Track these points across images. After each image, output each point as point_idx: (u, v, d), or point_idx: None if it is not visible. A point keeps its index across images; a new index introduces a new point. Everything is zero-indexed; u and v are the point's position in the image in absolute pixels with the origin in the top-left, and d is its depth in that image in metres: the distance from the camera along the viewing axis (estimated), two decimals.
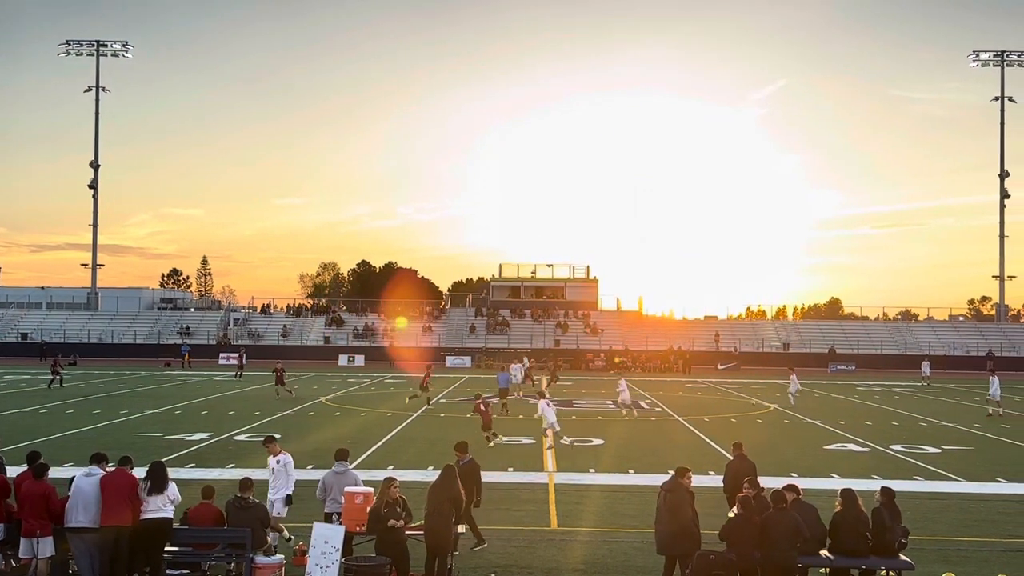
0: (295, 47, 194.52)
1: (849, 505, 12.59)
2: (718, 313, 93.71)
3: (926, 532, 15.95)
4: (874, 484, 20.23)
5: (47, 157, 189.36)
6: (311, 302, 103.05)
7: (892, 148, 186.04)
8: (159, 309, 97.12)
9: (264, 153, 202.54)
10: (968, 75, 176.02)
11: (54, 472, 13.74)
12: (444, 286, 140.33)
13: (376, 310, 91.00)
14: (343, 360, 75.54)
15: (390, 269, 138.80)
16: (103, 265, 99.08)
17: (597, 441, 28.10)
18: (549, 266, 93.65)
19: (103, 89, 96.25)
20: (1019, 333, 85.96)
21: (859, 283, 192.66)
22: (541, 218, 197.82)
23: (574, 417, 35.20)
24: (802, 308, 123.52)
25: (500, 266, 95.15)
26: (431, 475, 14.39)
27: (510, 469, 22.74)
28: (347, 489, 13.40)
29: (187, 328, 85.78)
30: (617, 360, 73.90)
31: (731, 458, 16.16)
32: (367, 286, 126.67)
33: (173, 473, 13.31)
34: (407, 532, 12.76)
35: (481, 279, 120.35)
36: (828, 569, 12.76)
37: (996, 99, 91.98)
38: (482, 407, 27.73)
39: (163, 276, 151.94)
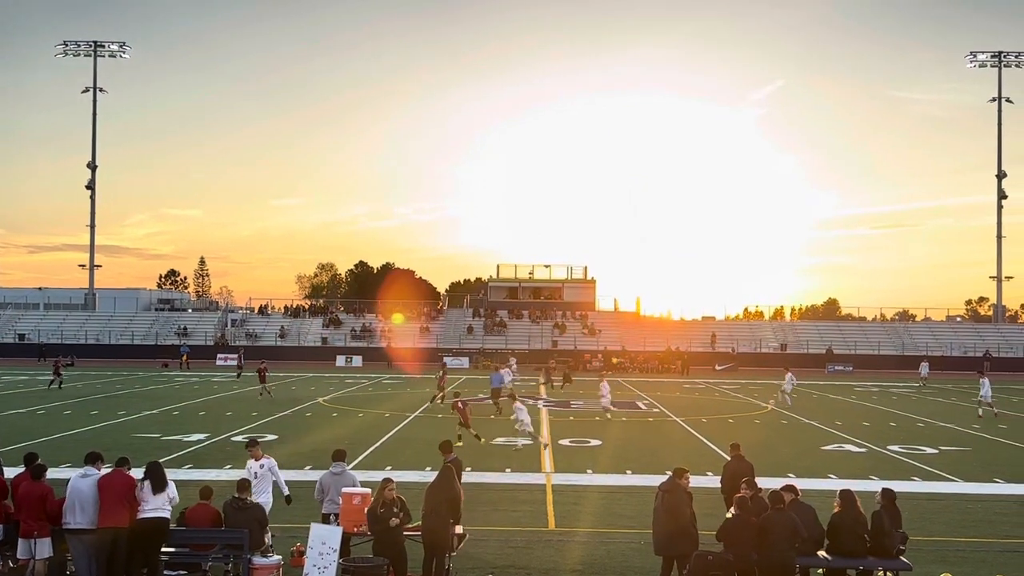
0: (292, 48, 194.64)
1: (848, 506, 12.60)
2: (716, 314, 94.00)
3: (923, 533, 15.95)
4: (872, 485, 20.25)
5: (45, 158, 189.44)
6: (309, 303, 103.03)
7: (890, 148, 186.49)
8: (156, 310, 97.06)
9: (262, 154, 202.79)
10: (965, 76, 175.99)
11: (52, 473, 13.72)
12: (442, 287, 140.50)
13: (374, 311, 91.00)
14: (341, 361, 75.57)
15: (388, 270, 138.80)
16: (100, 266, 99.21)
17: (595, 442, 28.10)
18: (547, 267, 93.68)
19: (101, 90, 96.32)
20: (1016, 334, 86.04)
21: (857, 283, 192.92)
22: (539, 219, 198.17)
23: (571, 418, 35.23)
24: (800, 309, 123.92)
25: (498, 267, 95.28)
26: (429, 476, 14.41)
27: (507, 470, 22.75)
28: (345, 490, 13.40)
29: (184, 329, 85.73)
30: (615, 361, 73.90)
31: (729, 459, 16.16)
32: (365, 287, 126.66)
33: (171, 474, 13.29)
34: (405, 532, 12.76)
35: (479, 280, 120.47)
36: (825, 569, 12.78)
37: (993, 100, 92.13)
38: (459, 405, 27.85)
39: (161, 277, 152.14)
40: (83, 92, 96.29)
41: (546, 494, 19.76)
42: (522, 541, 15.56)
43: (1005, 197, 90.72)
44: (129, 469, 12.64)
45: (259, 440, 16.32)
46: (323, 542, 12.15)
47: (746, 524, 12.07)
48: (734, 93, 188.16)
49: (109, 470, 12.59)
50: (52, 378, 46.76)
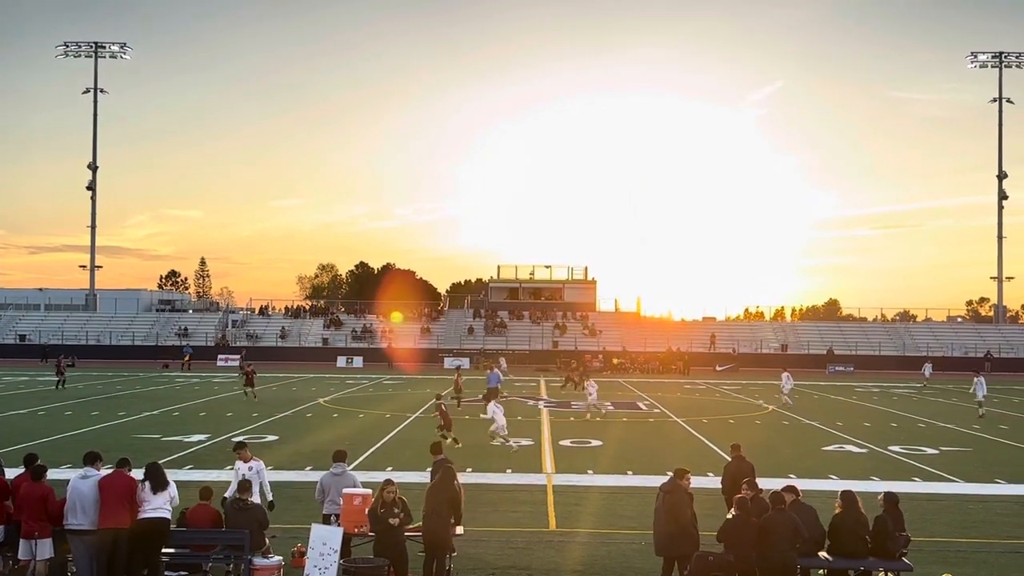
0: (293, 48, 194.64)
1: (849, 507, 12.59)
2: (716, 314, 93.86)
3: (924, 533, 15.94)
4: (873, 485, 20.29)
5: (45, 159, 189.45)
6: (309, 304, 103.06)
7: (890, 149, 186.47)
8: (157, 311, 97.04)
9: (262, 154, 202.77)
10: (966, 76, 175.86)
11: (52, 474, 13.73)
12: (442, 287, 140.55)
13: (374, 311, 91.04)
14: (341, 362, 75.54)
15: (388, 270, 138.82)
16: (101, 267, 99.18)
17: (595, 442, 28.10)
18: (547, 267, 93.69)
19: (101, 91, 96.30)
20: (1017, 334, 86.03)
21: (857, 284, 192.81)
22: (539, 219, 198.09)
23: (572, 419, 35.22)
24: (800, 309, 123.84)
25: (498, 267, 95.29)
26: (430, 477, 14.38)
27: (508, 470, 22.74)
28: (345, 491, 13.39)
29: (185, 330, 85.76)
30: (615, 361, 73.89)
31: (729, 459, 16.15)
32: (365, 287, 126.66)
33: (171, 475, 13.29)
34: (406, 533, 12.76)
35: (479, 280, 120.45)
36: (826, 570, 12.77)
37: (994, 100, 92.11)
38: (443, 407, 27.81)
39: (161, 278, 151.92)
40: (84, 93, 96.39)
41: (547, 495, 19.76)
42: (523, 542, 15.56)
43: (1006, 197, 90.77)
44: (130, 470, 12.63)
45: (247, 442, 16.25)
46: (324, 543, 12.15)
47: (746, 525, 12.07)
48: (734, 93, 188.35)
49: (109, 471, 12.59)
50: (57, 378, 47.17)
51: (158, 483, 12.43)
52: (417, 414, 35.88)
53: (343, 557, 12.29)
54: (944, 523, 17.53)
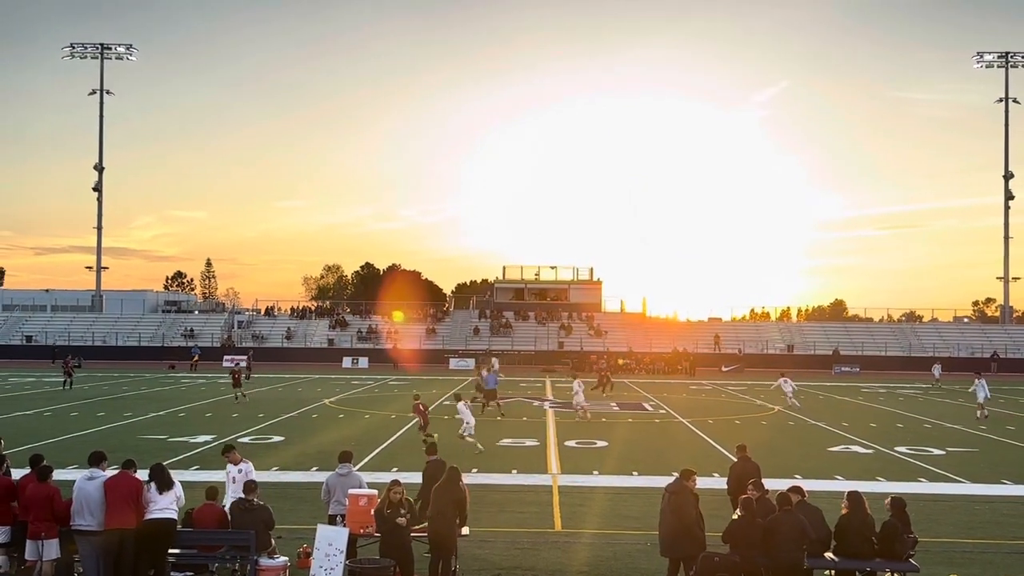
0: (297, 49, 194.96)
1: (856, 508, 12.56)
2: (722, 315, 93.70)
3: (930, 534, 15.90)
4: (879, 486, 20.27)
5: (52, 160, 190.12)
6: (315, 304, 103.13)
7: (896, 149, 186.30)
8: (163, 312, 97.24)
9: (267, 155, 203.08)
10: (972, 76, 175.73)
11: (59, 474, 13.75)
12: (448, 288, 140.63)
13: (380, 312, 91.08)
14: (347, 362, 75.56)
15: (394, 271, 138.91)
16: (107, 268, 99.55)
17: (601, 443, 28.08)
18: (553, 268, 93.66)
19: (107, 92, 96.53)
20: None
21: (863, 285, 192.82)
22: (545, 220, 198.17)
23: (577, 419, 35.18)
24: (806, 310, 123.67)
25: (504, 268, 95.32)
26: None
27: (514, 471, 22.74)
28: (351, 491, 13.40)
29: (191, 330, 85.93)
30: (620, 362, 73.88)
31: (735, 460, 16.14)
32: (371, 288, 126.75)
33: (177, 475, 13.32)
34: (412, 534, 12.77)
35: (484, 281, 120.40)
36: (833, 571, 12.74)
37: (1000, 100, 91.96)
38: (420, 407, 27.76)
39: (167, 279, 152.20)
40: (90, 94, 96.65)
41: (552, 495, 19.75)
42: (528, 542, 15.55)
43: (1012, 198, 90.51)
44: (135, 471, 12.65)
45: (234, 445, 16.17)
46: (329, 543, 12.16)
47: (751, 525, 12.05)
48: (738, 94, 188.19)
49: (115, 471, 12.60)
50: (64, 378, 47.56)
51: (163, 484, 12.44)
52: None
53: (349, 558, 12.30)
54: (950, 524, 17.50)
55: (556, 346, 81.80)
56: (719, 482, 17.88)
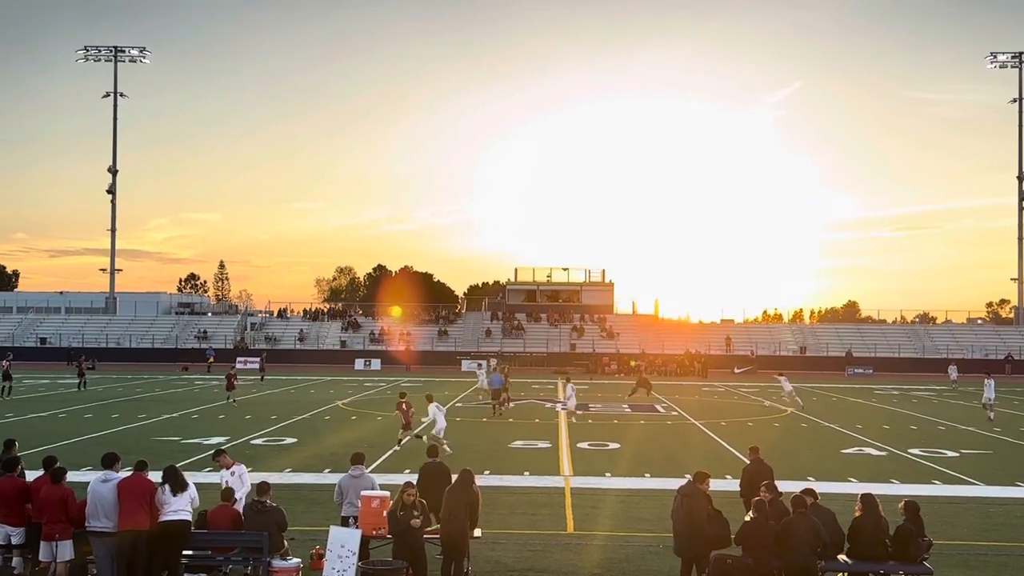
0: (310, 52, 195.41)
1: (869, 510, 12.54)
2: (734, 316, 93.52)
3: (944, 537, 15.84)
4: (893, 488, 20.21)
5: (66, 163, 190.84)
6: (328, 306, 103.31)
7: (909, 150, 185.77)
8: (177, 314, 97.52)
9: (280, 157, 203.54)
10: (985, 77, 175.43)
11: (73, 476, 13.82)
12: (460, 290, 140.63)
13: (392, 314, 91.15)
14: (359, 364, 75.69)
15: (406, 273, 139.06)
16: (121, 270, 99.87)
17: (613, 445, 28.07)
18: (565, 269, 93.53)
19: (121, 95, 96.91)
20: None
21: (875, 286, 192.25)
22: (557, 221, 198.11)
23: (590, 421, 35.19)
24: (819, 311, 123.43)
25: (516, 270, 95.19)
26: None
27: (526, 473, 22.73)
28: (363, 493, 13.42)
29: (204, 332, 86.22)
30: (632, 363, 73.81)
31: (748, 462, 16.11)
32: (383, 290, 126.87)
33: (191, 477, 13.36)
34: (424, 536, 12.78)
35: (496, 283, 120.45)
36: (846, 574, 12.71)
37: (1014, 101, 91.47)
38: (403, 406, 27.70)
39: (181, 281, 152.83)
40: (104, 97, 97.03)
41: (564, 497, 19.74)
42: (540, 544, 15.56)
43: None
44: (147, 472, 12.69)
45: (224, 449, 16.13)
46: (342, 545, 12.18)
47: (764, 528, 12.03)
48: (750, 96, 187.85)
49: (128, 473, 12.65)
50: (79, 379, 48.33)
51: (177, 485, 12.49)
52: None
53: (361, 559, 12.32)
54: (964, 526, 17.42)
55: (568, 348, 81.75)
56: (732, 484, 17.85)
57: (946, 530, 16.63)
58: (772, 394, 48.15)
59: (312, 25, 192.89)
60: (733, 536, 12.35)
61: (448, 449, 25.38)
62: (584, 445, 27.81)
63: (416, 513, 12.55)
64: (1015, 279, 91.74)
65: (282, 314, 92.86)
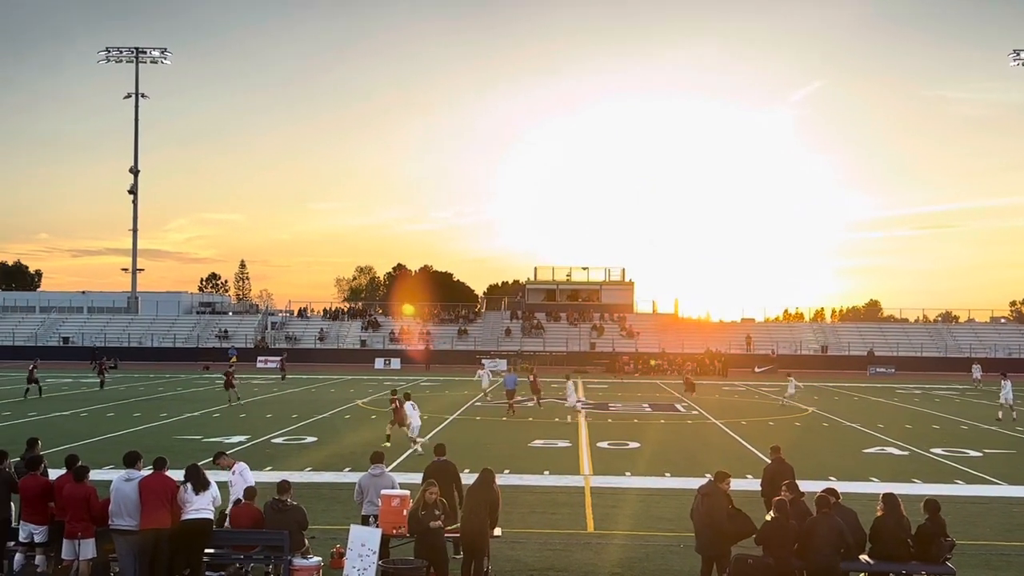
0: (329, 52, 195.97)
1: (891, 510, 12.45)
2: (755, 316, 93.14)
3: (968, 537, 15.73)
4: (915, 488, 20.07)
5: (88, 163, 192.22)
6: (347, 306, 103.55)
7: (931, 149, 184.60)
8: (198, 313, 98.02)
9: (300, 157, 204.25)
10: (1009, 74, 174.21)
11: (95, 474, 13.89)
12: (479, 289, 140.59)
13: (418, 314, 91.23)
14: (379, 363, 75.86)
15: (426, 272, 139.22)
16: (143, 270, 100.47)
17: (633, 444, 28.01)
18: (584, 269, 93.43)
19: (142, 96, 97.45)
20: None
21: (898, 285, 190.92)
22: (576, 221, 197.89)
23: (610, 420, 35.13)
24: (840, 310, 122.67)
25: (535, 269, 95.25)
26: (468, 478, 14.39)
27: (546, 472, 22.71)
28: (383, 492, 13.43)
29: (225, 332, 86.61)
30: (652, 363, 73.70)
31: (769, 461, 16.04)
32: (403, 289, 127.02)
33: (213, 476, 13.40)
34: (445, 534, 12.78)
35: (516, 282, 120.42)
36: (868, 574, 12.63)
37: None
38: (397, 402, 27.65)
39: (201, 280, 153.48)
40: (125, 98, 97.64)
41: (585, 496, 19.71)
42: (561, 543, 15.54)
43: None
44: (166, 469, 12.74)
45: (224, 451, 16.05)
46: (362, 543, 12.20)
47: (785, 527, 11.97)
48: (772, 95, 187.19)
49: (149, 471, 12.71)
50: (99, 378, 49.28)
51: (199, 484, 12.55)
52: (455, 415, 35.98)
53: (381, 558, 12.33)
54: (988, 526, 17.29)
55: (588, 347, 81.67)
56: (753, 484, 17.78)
57: (969, 530, 16.51)
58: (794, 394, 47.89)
59: (331, 26, 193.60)
60: (754, 536, 12.31)
61: (420, 450, 25.45)
62: (604, 444, 27.76)
63: (437, 512, 12.55)
64: None
65: (302, 313, 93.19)
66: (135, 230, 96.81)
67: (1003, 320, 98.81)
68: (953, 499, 18.80)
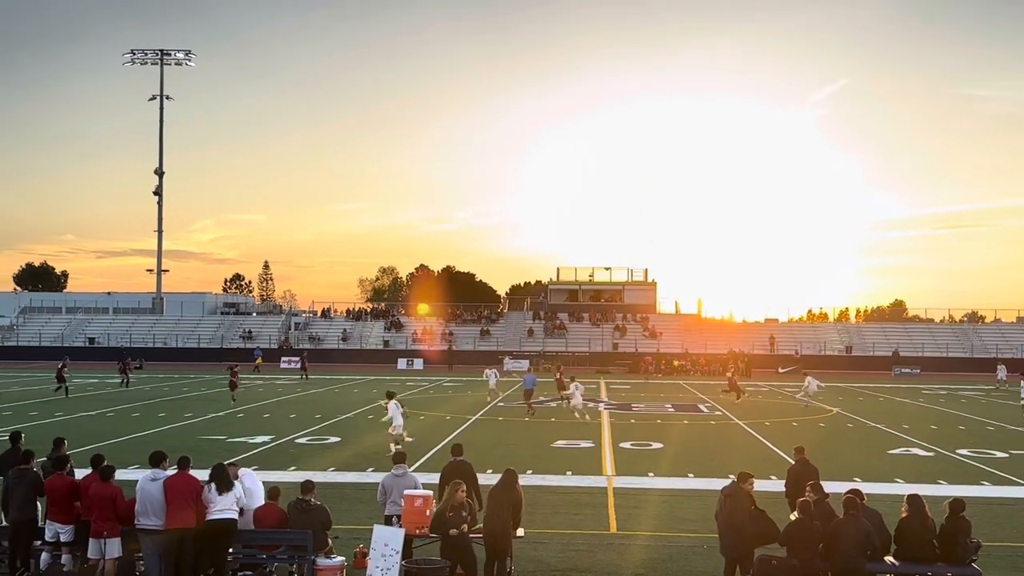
0: (351, 53, 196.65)
1: (916, 511, 12.38)
2: (779, 316, 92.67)
3: (993, 538, 15.62)
4: (940, 489, 19.93)
5: (113, 164, 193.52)
6: (370, 306, 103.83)
7: (957, 147, 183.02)
8: (222, 314, 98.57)
9: (323, 159, 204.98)
10: None
11: (120, 474, 13.98)
12: (502, 289, 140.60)
13: (434, 314, 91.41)
14: (402, 364, 75.96)
15: (448, 273, 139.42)
16: (168, 271, 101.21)
17: (656, 445, 27.95)
18: (607, 269, 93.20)
19: (167, 97, 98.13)
20: None
21: (923, 285, 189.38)
22: (599, 221, 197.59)
23: (632, 420, 35.08)
24: (865, 310, 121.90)
25: (558, 269, 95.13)
26: (491, 479, 14.43)
27: (569, 472, 22.70)
28: (407, 492, 13.48)
29: (249, 332, 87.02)
30: (676, 364, 73.48)
31: (793, 462, 15.98)
32: (425, 290, 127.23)
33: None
34: (470, 535, 12.79)
35: (539, 282, 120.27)
36: (892, 575, 12.56)
37: None
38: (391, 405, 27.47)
39: (226, 281, 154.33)
40: (150, 99, 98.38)
41: (607, 497, 19.70)
42: (583, 544, 15.54)
43: None
44: (189, 468, 12.82)
45: (234, 463, 16.03)
46: (386, 543, 12.23)
47: (809, 528, 11.92)
48: (796, 93, 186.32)
49: (175, 471, 12.79)
50: (121, 378, 50.25)
51: (224, 484, 12.62)
52: (477, 416, 36.01)
53: (404, 558, 12.36)
54: (1014, 528, 17.17)
55: (610, 347, 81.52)
56: (777, 484, 17.72)
57: (995, 531, 16.40)
58: (818, 394, 47.72)
59: (354, 27, 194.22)
60: (778, 540, 12.27)
61: (393, 448, 25.33)
62: (627, 445, 27.72)
63: (464, 514, 12.58)
64: None
65: (325, 314, 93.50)
66: (160, 231, 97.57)
67: None
68: (979, 500, 18.67)
